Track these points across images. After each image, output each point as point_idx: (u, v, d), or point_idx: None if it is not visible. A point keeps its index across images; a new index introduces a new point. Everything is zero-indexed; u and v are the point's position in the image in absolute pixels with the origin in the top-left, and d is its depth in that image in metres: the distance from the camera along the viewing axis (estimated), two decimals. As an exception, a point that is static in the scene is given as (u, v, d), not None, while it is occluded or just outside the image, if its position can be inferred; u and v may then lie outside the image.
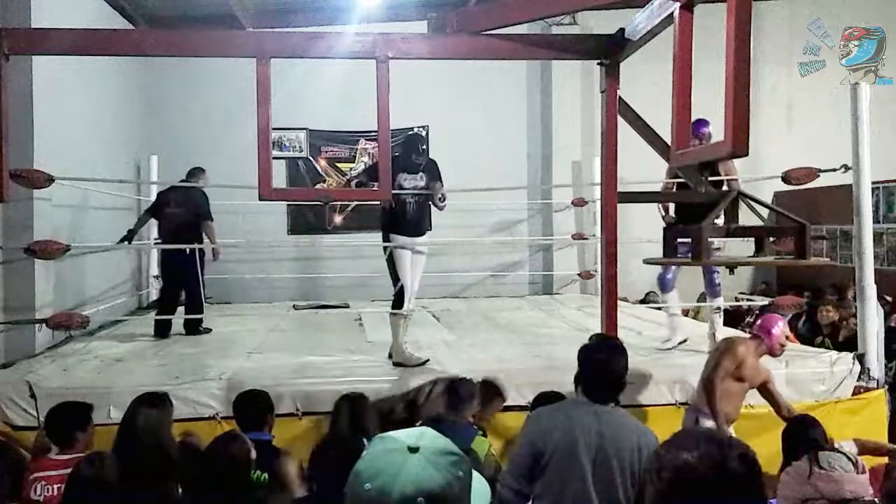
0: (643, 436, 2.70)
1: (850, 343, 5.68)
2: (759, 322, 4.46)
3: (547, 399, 3.48)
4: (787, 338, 4.29)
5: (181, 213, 6.48)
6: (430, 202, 5.21)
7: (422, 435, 1.23)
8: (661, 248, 3.83)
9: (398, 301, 5.14)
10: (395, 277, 5.15)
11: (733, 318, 7.59)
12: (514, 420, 4.04)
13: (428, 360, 5.03)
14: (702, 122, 5.08)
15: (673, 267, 5.44)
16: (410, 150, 5.24)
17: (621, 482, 2.63)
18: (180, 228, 6.46)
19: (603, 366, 2.84)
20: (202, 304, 6.60)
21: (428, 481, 1.15)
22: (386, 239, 5.25)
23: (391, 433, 1.25)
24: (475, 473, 1.35)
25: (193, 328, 6.45)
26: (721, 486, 1.32)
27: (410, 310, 5.26)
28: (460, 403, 3.81)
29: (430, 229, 5.65)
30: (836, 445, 3.38)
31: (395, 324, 5.10)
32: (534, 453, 2.73)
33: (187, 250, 6.27)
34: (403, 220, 5.16)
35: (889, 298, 6.58)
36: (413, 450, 1.18)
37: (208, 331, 6.53)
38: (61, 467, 3.17)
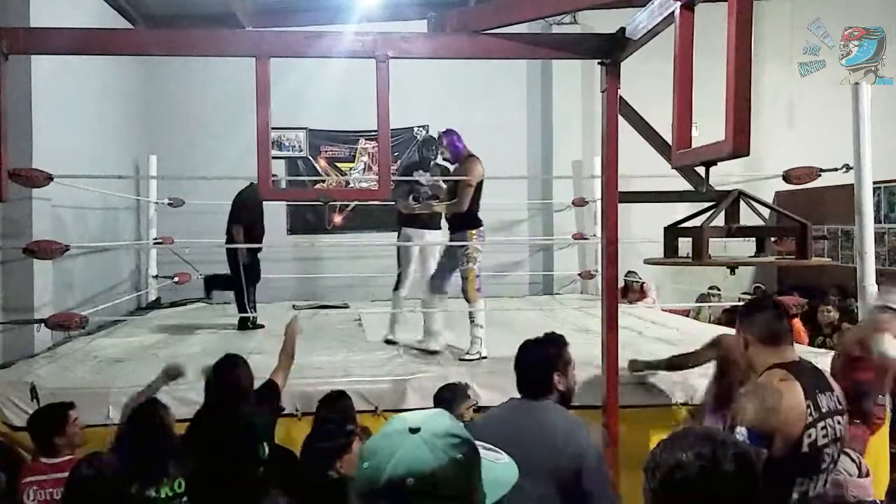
0: (572, 432, 2.65)
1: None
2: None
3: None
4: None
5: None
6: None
7: (430, 417, 1.22)
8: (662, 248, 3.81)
9: (396, 284, 6.06)
10: (398, 265, 6.05)
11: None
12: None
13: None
14: (447, 133, 5.64)
15: (449, 274, 5.49)
16: (420, 150, 6.18)
17: (551, 478, 2.56)
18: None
19: (520, 361, 2.96)
20: (244, 303, 6.82)
21: (419, 462, 1.13)
22: (399, 233, 6.08)
23: (406, 414, 1.24)
24: (507, 462, 1.33)
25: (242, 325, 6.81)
26: (714, 486, 1.30)
27: (405, 297, 6.07)
28: (448, 406, 3.86)
29: (439, 228, 6.06)
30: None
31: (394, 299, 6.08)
32: None
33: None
34: (412, 213, 5.84)
35: None
36: (414, 430, 1.17)
37: (259, 326, 6.77)
38: (51, 471, 3.18)
